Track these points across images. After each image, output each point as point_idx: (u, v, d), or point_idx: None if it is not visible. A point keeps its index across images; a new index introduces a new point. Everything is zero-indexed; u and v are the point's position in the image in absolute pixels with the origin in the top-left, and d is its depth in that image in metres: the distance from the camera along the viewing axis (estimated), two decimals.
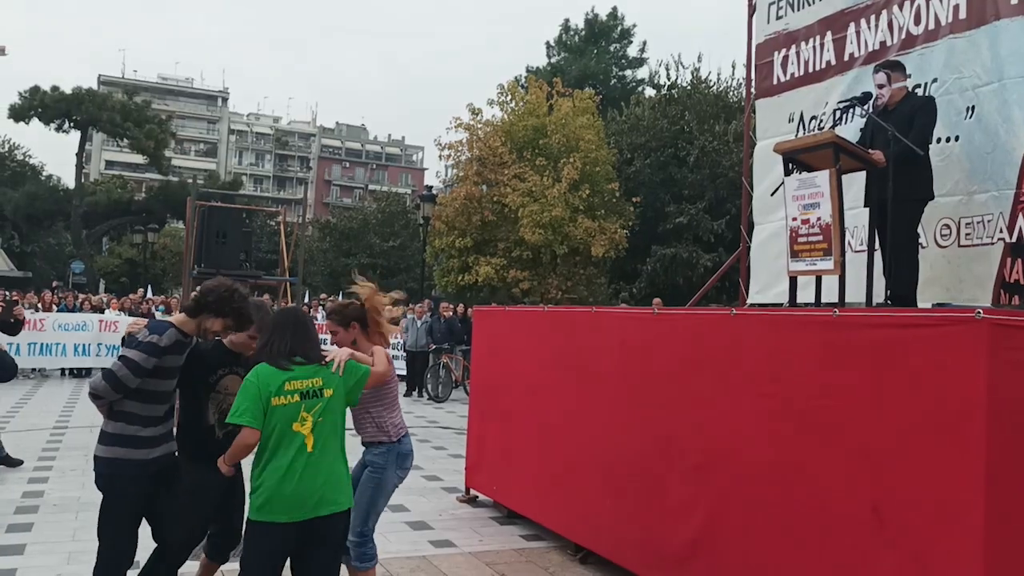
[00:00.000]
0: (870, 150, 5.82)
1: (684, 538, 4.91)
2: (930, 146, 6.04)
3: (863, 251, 6.75)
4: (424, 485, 8.39)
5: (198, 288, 4.43)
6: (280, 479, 3.67)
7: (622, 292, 25.35)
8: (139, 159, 52.55)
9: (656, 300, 12.40)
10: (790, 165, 6.08)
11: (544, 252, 23.13)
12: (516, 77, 31.28)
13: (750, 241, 9.39)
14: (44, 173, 50.29)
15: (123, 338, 4.28)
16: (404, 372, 17.01)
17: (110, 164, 76.01)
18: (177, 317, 4.30)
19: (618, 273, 25.99)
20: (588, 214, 22.96)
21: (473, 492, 7.80)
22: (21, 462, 8.68)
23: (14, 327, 9.24)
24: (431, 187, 27.78)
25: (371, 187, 77.37)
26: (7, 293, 9.55)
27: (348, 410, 4.08)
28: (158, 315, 20.59)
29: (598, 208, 23.38)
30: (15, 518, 6.72)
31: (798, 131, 8.38)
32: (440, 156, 25.77)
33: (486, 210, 23.60)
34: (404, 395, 16.63)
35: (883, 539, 3.73)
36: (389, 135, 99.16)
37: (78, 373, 18.66)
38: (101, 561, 4.15)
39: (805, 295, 6.41)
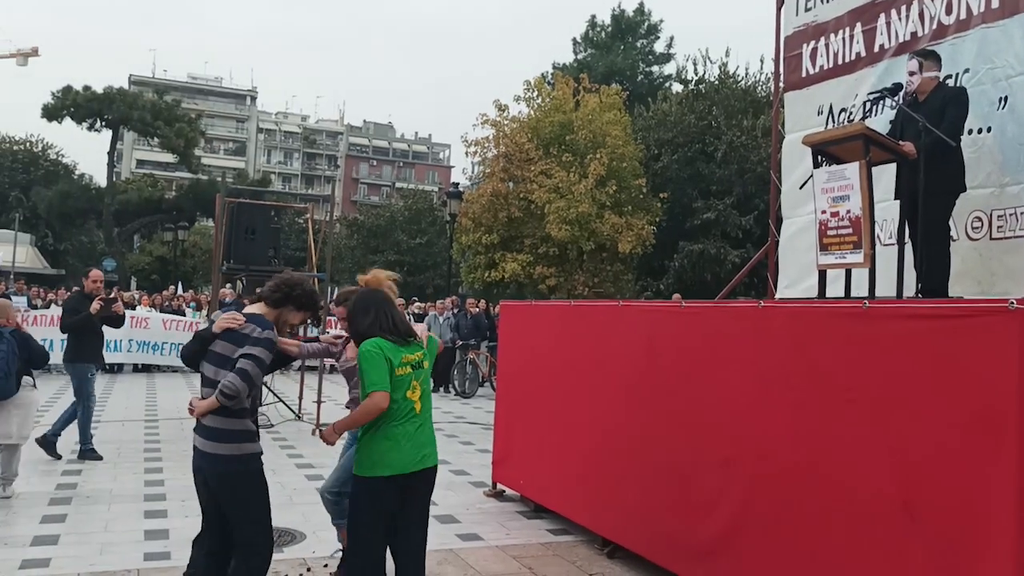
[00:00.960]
0: (901, 142, 5.76)
1: (712, 532, 4.88)
2: (962, 137, 5.96)
3: (893, 244, 6.68)
4: (451, 480, 8.42)
5: (275, 280, 4.39)
6: (399, 440, 4.15)
7: (649, 288, 25.26)
8: (169, 158, 53.09)
9: (675, 296, 12.32)
10: (819, 158, 6.02)
11: (571, 248, 23.11)
12: (543, 73, 31.19)
13: (778, 236, 9.31)
14: (77, 172, 50.92)
15: (206, 333, 4.19)
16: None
17: (141, 163, 76.88)
18: (258, 307, 4.31)
19: (645, 269, 25.92)
20: (615, 210, 22.91)
21: (500, 486, 7.81)
22: (60, 456, 8.83)
23: (118, 320, 9.49)
24: (457, 184, 27.82)
25: (398, 185, 77.64)
26: (109, 289, 9.87)
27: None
28: (189, 312, 20.83)
29: (625, 204, 23.31)
30: (49, 509, 6.82)
31: (827, 124, 8.30)
32: (467, 153, 25.87)
33: (512, 206, 23.61)
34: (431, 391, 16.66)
35: (913, 535, 3.69)
36: (416, 133, 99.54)
37: (110, 368, 18.88)
38: (267, 551, 4.22)
39: (834, 289, 6.35)
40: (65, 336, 9.31)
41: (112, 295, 9.44)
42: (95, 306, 8.89)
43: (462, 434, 11.50)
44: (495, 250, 24.06)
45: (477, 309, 18.06)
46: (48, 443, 8.82)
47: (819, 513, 4.16)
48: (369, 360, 4.09)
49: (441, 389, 16.91)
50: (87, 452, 8.91)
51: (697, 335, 5.21)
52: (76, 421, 8.94)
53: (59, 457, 8.79)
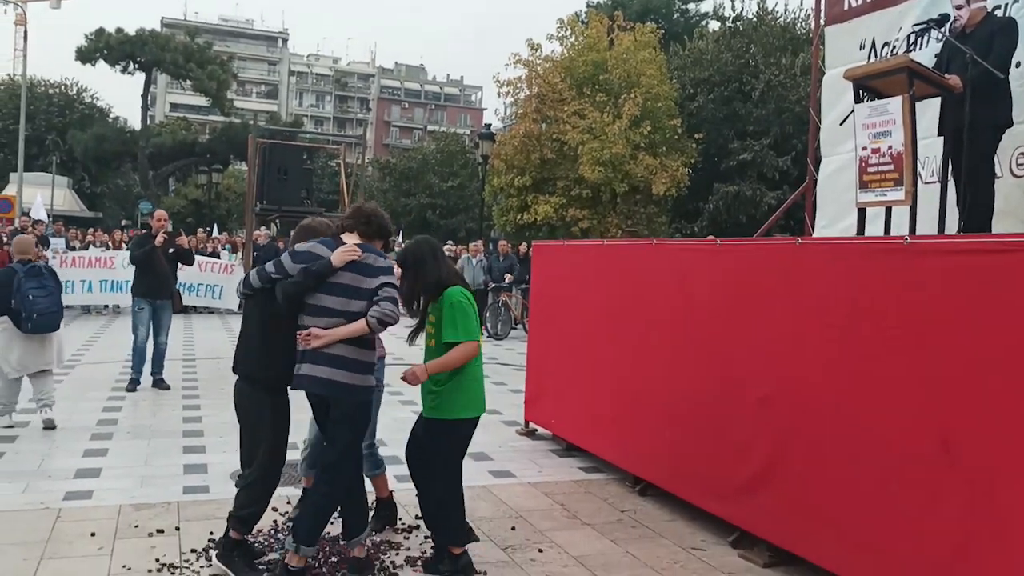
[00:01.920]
0: (946, 75, 5.58)
1: (746, 471, 4.88)
2: (1010, 70, 5.75)
3: (934, 182, 6.53)
4: (484, 419, 8.35)
5: (358, 211, 4.45)
6: (479, 382, 4.54)
7: (683, 231, 25.04)
8: (202, 101, 53.11)
9: (710, 238, 12.20)
10: (861, 92, 5.85)
11: (604, 190, 22.91)
12: (576, 12, 30.64)
13: (816, 175, 9.14)
14: (111, 115, 51.13)
15: (322, 268, 4.15)
16: None
17: (174, 107, 76.99)
18: (352, 237, 4.35)
19: (679, 212, 25.67)
20: (649, 151, 22.61)
21: (532, 426, 7.86)
22: (168, 387, 9.63)
23: (188, 256, 10.21)
24: (490, 125, 27.58)
25: (430, 127, 77.22)
26: (172, 229, 10.56)
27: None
28: (224, 254, 21.00)
29: (659, 145, 22.99)
30: (91, 443, 6.97)
31: (869, 58, 8.07)
32: (499, 93, 25.69)
33: (545, 148, 23.39)
34: None
35: (953, 475, 3.64)
36: (448, 75, 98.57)
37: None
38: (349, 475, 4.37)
39: (874, 228, 6.22)
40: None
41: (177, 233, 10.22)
42: (160, 238, 9.54)
43: (494, 374, 11.56)
44: (527, 192, 23.91)
45: (509, 250, 18.02)
46: (156, 381, 9.66)
47: (855, 451, 4.13)
48: (462, 310, 4.35)
49: None
50: (133, 381, 9.55)
51: (732, 274, 5.15)
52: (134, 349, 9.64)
53: (168, 387, 9.61)
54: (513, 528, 5.21)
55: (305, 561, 4.20)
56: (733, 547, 4.96)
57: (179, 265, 10.10)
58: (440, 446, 4.48)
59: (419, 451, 4.58)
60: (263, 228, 17.69)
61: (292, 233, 4.61)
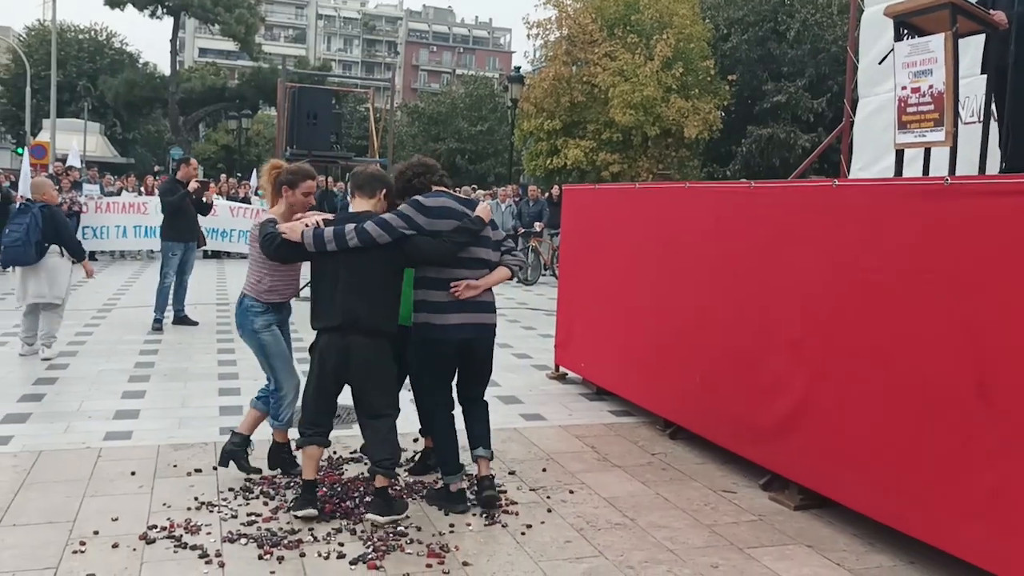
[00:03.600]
0: (991, 11, 5.40)
1: (778, 414, 4.86)
2: None
3: (974, 123, 6.36)
4: (515, 363, 8.52)
5: (418, 166, 4.73)
6: None
7: (715, 175, 24.77)
8: (231, 46, 52.91)
9: (743, 181, 12.08)
10: (901, 30, 5.67)
11: (635, 134, 22.66)
12: None
13: (853, 116, 8.95)
14: (141, 61, 51.17)
15: (476, 225, 4.49)
16: None
17: (203, 52, 76.84)
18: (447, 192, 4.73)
19: (712, 155, 25.38)
20: (681, 93, 22.28)
21: (562, 370, 7.88)
22: (196, 323, 10.17)
23: (205, 207, 10.49)
24: (519, 68, 27.27)
25: (458, 71, 76.52)
26: (205, 178, 11.12)
27: None
28: (256, 200, 21.10)
29: (692, 87, 22.65)
30: (129, 386, 7.10)
31: None
32: (528, 35, 25.54)
33: (575, 91, 23.13)
34: None
35: (987, 418, 3.61)
36: (476, 17, 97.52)
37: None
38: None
39: (912, 170, 6.09)
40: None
41: (206, 180, 10.86)
42: (193, 184, 10.01)
43: (524, 319, 11.60)
44: (557, 136, 23.72)
45: (540, 195, 17.94)
46: (180, 318, 10.15)
47: (889, 395, 4.10)
48: None
49: None
50: (157, 321, 9.86)
51: (766, 216, 5.08)
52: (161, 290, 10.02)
53: (196, 323, 10.15)
54: (544, 470, 5.25)
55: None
56: (764, 489, 4.98)
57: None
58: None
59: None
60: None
61: (353, 181, 4.64)
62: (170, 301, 10.05)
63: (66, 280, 8.15)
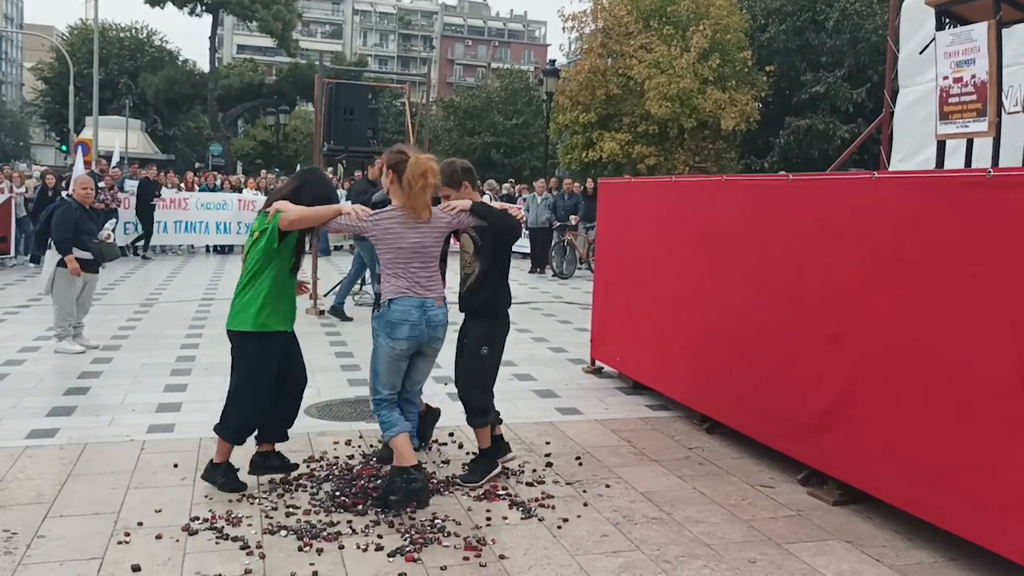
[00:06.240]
0: None
1: (816, 410, 4.82)
2: None
3: (1018, 112, 6.26)
4: (551, 356, 8.53)
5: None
6: None
7: (753, 167, 24.54)
8: (268, 42, 53.53)
9: (781, 173, 11.96)
10: (943, 19, 5.59)
11: (671, 126, 22.52)
12: None
13: (893, 107, 8.82)
14: (180, 58, 51.86)
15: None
16: (528, 249, 17.16)
17: (241, 48, 77.71)
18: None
19: (749, 147, 25.15)
20: (718, 85, 22.09)
21: (598, 364, 7.87)
22: (351, 319, 10.39)
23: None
24: (554, 61, 27.20)
25: (494, 65, 76.53)
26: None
27: None
28: None
29: (729, 79, 22.44)
30: (171, 379, 7.22)
31: None
32: (563, 28, 25.53)
33: (611, 83, 23.04)
34: (528, 271, 16.81)
35: None
36: (511, 11, 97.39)
37: (221, 250, 19.60)
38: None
39: (953, 161, 6.00)
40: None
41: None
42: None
43: (560, 313, 11.59)
44: (593, 129, 23.64)
45: (576, 189, 17.88)
46: (336, 310, 10.52)
47: (931, 390, 4.05)
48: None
49: (539, 270, 16.98)
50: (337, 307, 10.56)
51: (804, 209, 5.03)
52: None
53: (350, 319, 10.38)
54: (580, 464, 5.25)
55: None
56: (802, 484, 4.94)
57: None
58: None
59: None
60: (330, 169, 17.87)
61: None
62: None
63: (49, 274, 8.12)
